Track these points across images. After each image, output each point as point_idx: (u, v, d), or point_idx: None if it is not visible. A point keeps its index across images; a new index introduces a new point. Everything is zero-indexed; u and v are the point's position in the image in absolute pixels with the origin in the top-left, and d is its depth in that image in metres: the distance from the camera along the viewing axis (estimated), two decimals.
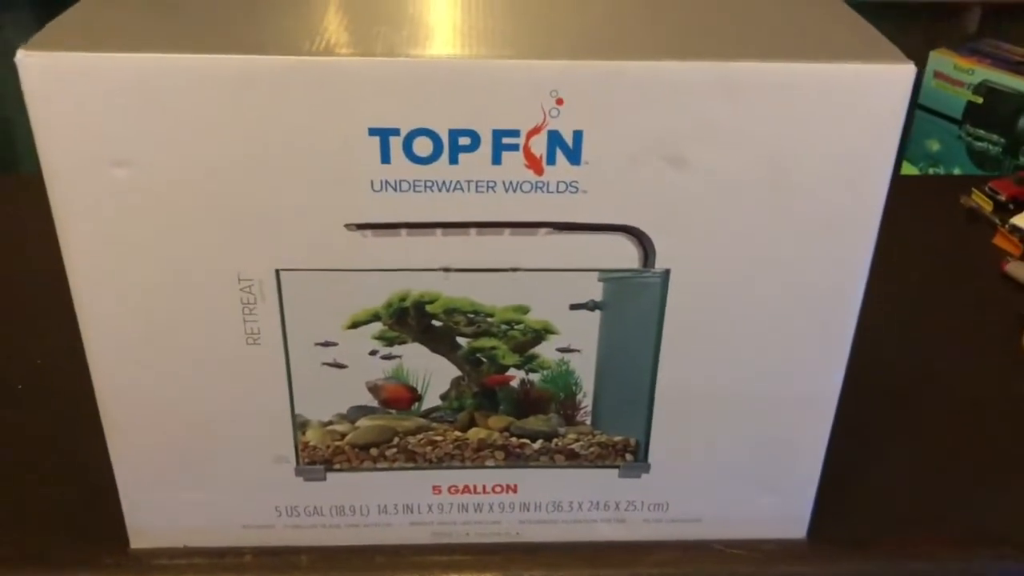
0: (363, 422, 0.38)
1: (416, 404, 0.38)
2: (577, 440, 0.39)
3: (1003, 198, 0.70)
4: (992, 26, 1.31)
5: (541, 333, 0.36)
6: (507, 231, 0.34)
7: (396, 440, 0.39)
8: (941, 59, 1.17)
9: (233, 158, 0.32)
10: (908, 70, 0.32)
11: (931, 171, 1.22)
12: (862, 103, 0.32)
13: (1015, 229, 0.66)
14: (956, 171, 1.20)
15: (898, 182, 0.34)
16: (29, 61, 0.30)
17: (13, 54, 0.30)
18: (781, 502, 0.41)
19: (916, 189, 0.76)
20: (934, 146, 1.20)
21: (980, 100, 1.15)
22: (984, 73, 1.15)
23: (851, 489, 0.43)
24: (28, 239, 0.62)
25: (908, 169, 1.22)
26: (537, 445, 0.39)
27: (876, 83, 0.32)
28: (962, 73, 1.16)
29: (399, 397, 0.38)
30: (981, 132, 1.16)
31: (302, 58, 0.31)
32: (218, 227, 0.33)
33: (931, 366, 0.53)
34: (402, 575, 0.39)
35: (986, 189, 0.71)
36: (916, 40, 1.21)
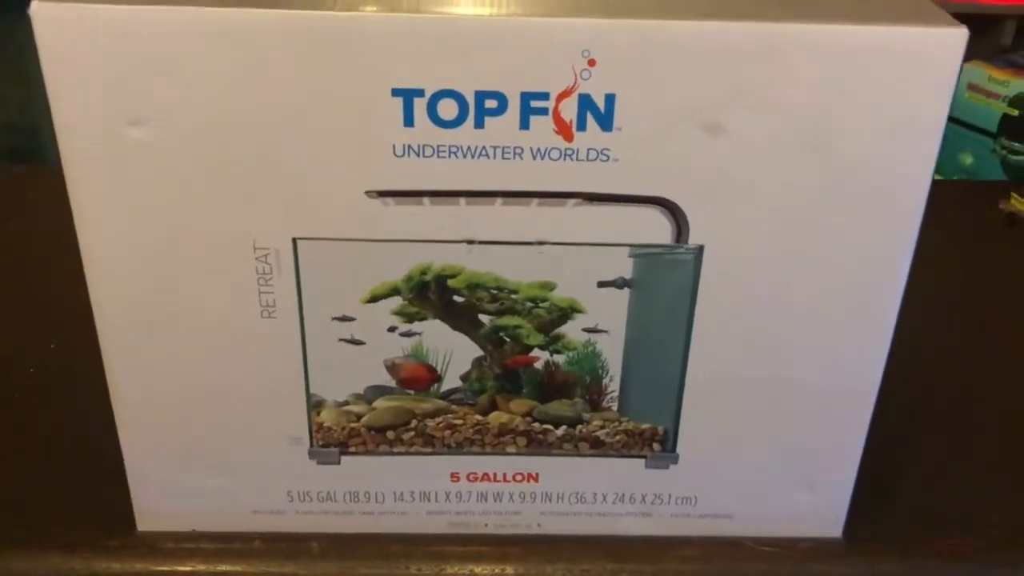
0: (380, 403, 0.37)
1: (435, 385, 0.36)
2: (602, 427, 0.37)
3: None
4: None
5: (567, 312, 0.35)
6: (534, 201, 0.33)
7: (414, 423, 0.37)
8: (975, 71, 1.15)
9: (251, 119, 0.31)
10: (959, 34, 0.30)
11: None
12: (910, 69, 0.30)
13: None
14: None
15: (932, 188, 0.32)
16: (44, 13, 0.29)
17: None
18: (816, 498, 0.39)
19: (951, 194, 0.74)
20: (967, 160, 1.18)
21: (1016, 112, 1.13)
22: (1020, 85, 1.12)
23: (889, 487, 0.41)
24: (47, 228, 0.61)
25: None
26: (560, 432, 0.37)
27: (925, 47, 0.30)
28: (997, 85, 1.14)
29: (418, 377, 0.36)
30: (1016, 145, 1.14)
31: (325, 13, 0.29)
32: (235, 191, 0.32)
33: (974, 366, 0.51)
34: (418, 564, 0.38)
35: None
36: None
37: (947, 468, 0.43)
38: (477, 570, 0.38)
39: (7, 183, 0.70)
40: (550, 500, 0.39)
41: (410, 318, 0.35)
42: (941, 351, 0.52)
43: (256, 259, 0.33)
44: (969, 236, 0.65)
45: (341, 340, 0.35)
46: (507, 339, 0.35)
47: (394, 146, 0.31)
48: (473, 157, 0.32)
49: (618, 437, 0.38)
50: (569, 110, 0.31)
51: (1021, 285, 0.59)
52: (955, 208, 0.69)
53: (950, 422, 0.46)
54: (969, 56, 1.24)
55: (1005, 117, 1.15)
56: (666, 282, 0.34)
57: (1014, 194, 0.69)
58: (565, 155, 0.32)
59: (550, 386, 0.36)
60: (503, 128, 0.31)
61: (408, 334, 0.35)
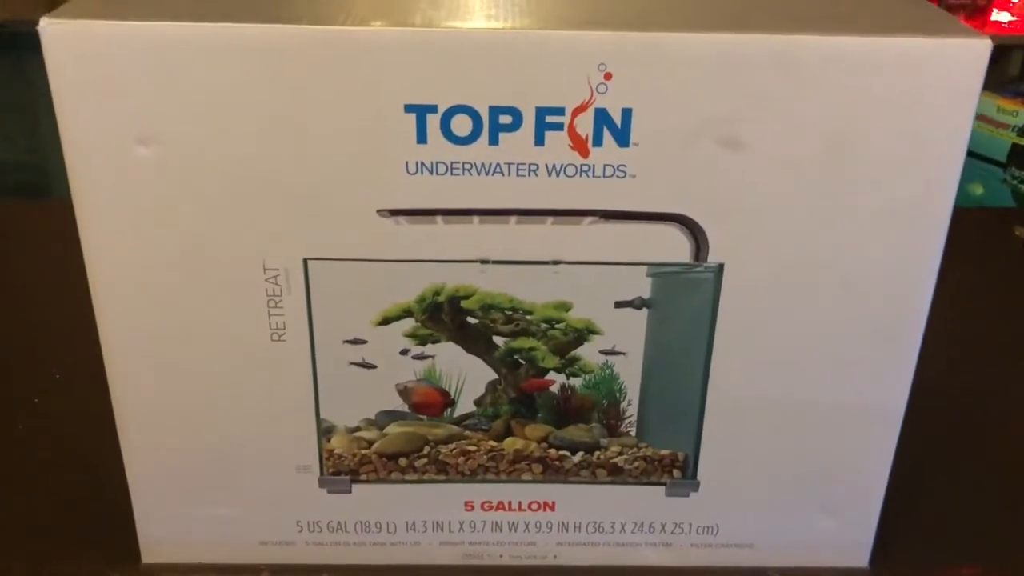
0: (392, 428, 0.36)
1: (449, 410, 0.35)
2: (621, 453, 0.36)
3: None
4: None
5: (583, 333, 0.34)
6: (549, 219, 0.32)
7: (427, 449, 0.36)
8: (984, 101, 1.15)
9: (261, 136, 0.30)
10: (982, 44, 0.29)
11: None
12: (933, 81, 0.30)
13: None
14: None
15: None
16: (52, 29, 0.29)
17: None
18: (841, 527, 0.37)
19: (966, 221, 0.73)
20: (978, 190, 1.17)
21: None
22: None
23: (916, 516, 0.40)
24: (53, 261, 0.61)
25: None
26: (577, 458, 0.36)
27: (948, 59, 0.30)
28: (1006, 115, 1.13)
29: (431, 401, 0.35)
30: None
31: (336, 28, 0.29)
32: (244, 210, 0.31)
33: (1002, 392, 0.50)
34: None
35: None
36: None
37: (979, 496, 0.42)
38: None
39: (15, 219, 0.70)
40: (567, 530, 0.38)
41: (423, 340, 0.34)
42: (965, 378, 0.50)
43: (266, 280, 0.33)
44: (986, 262, 0.65)
45: (352, 364, 0.34)
46: (522, 362, 0.35)
47: (407, 163, 0.31)
48: (487, 174, 0.31)
49: (637, 463, 0.37)
50: (585, 125, 0.30)
51: None
52: (970, 235, 0.68)
53: (980, 449, 0.45)
54: None
55: (1015, 147, 1.15)
56: (685, 302, 0.33)
57: None
58: (581, 171, 0.31)
59: (566, 410, 0.36)
60: (518, 144, 0.31)
61: (421, 357, 0.34)
